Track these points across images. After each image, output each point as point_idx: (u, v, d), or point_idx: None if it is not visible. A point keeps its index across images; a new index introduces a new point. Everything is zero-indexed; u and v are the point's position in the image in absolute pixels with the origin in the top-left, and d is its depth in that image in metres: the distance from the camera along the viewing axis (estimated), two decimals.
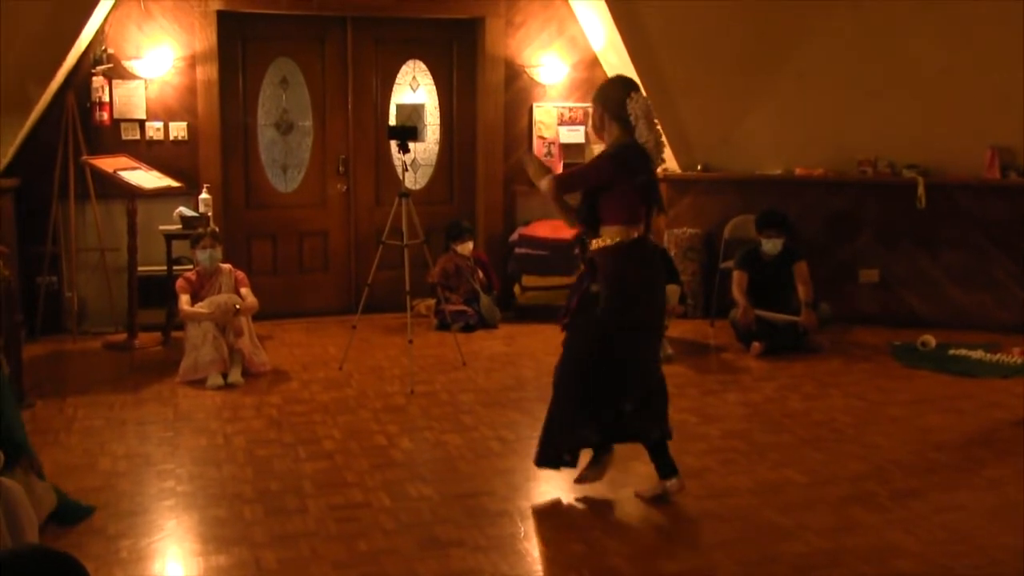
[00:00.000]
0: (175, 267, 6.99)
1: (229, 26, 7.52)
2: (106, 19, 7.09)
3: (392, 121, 8.03)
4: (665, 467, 4.24)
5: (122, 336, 7.04)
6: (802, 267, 6.95)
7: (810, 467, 4.64)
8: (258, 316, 6.59)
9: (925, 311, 7.75)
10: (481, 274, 7.79)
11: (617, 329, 4.12)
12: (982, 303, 7.67)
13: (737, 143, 7.94)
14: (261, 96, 7.83)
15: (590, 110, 4.18)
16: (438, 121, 8.28)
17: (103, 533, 3.86)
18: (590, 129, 4.14)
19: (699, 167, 8.02)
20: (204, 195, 7.10)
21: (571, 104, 8.18)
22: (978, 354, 6.69)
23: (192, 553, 3.72)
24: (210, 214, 7.05)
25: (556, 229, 7.65)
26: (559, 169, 7.41)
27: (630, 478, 4.52)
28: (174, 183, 7.09)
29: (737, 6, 7.41)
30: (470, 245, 7.75)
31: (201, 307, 6.15)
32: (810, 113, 7.73)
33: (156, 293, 7.11)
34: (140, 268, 6.99)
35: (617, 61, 7.83)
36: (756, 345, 6.79)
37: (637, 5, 7.41)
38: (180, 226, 6.97)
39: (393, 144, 7.67)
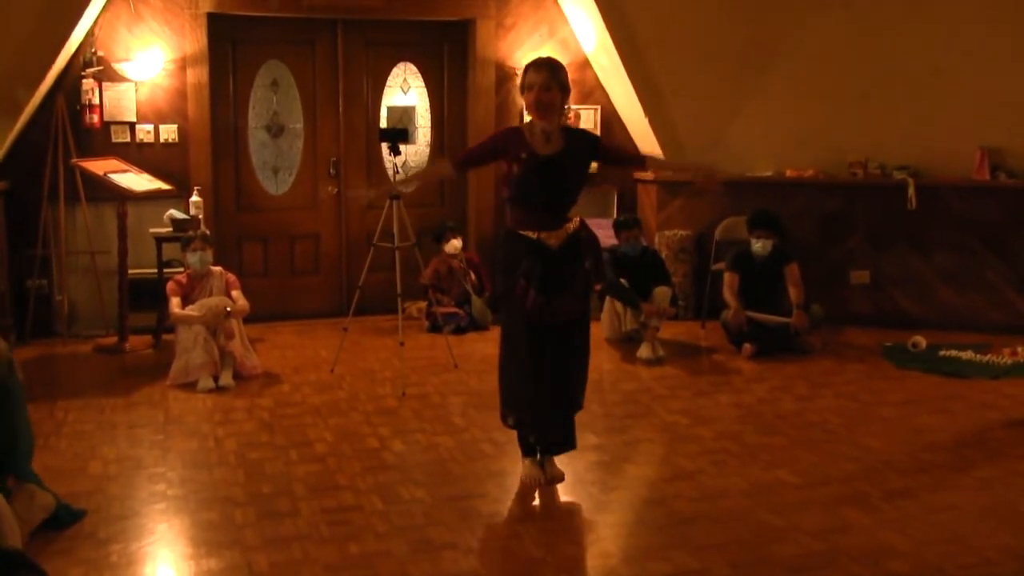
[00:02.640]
0: (166, 270, 6.98)
1: (219, 28, 7.50)
2: (96, 21, 7.07)
3: (383, 123, 8.05)
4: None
5: (112, 339, 7.02)
6: (793, 268, 6.97)
7: (802, 468, 4.64)
8: (249, 319, 6.57)
9: (916, 312, 7.78)
10: (473, 276, 7.77)
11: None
12: (973, 304, 7.70)
13: (728, 144, 7.94)
14: (252, 99, 7.81)
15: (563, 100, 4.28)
16: (429, 123, 8.28)
17: (94, 537, 3.84)
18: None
19: None
20: (195, 198, 7.09)
21: None
22: (967, 355, 6.71)
23: (183, 557, 3.70)
24: (201, 217, 7.04)
25: None
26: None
27: (623, 480, 4.52)
28: (164, 186, 7.07)
29: (728, 7, 7.42)
30: (455, 243, 7.69)
31: (192, 310, 6.13)
32: (801, 114, 7.75)
33: (147, 296, 7.08)
34: (130, 271, 6.97)
35: (608, 63, 7.84)
36: (747, 346, 6.79)
37: (628, 7, 7.41)
38: (171, 229, 6.96)
39: (384, 146, 7.68)
